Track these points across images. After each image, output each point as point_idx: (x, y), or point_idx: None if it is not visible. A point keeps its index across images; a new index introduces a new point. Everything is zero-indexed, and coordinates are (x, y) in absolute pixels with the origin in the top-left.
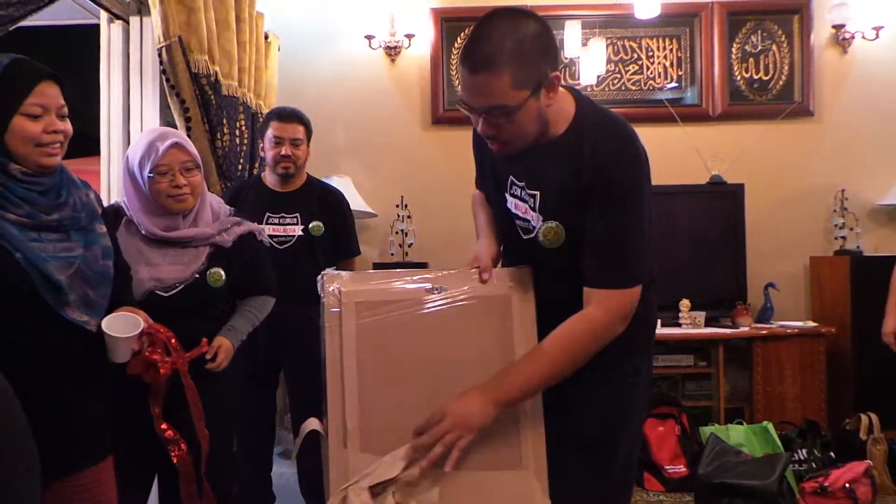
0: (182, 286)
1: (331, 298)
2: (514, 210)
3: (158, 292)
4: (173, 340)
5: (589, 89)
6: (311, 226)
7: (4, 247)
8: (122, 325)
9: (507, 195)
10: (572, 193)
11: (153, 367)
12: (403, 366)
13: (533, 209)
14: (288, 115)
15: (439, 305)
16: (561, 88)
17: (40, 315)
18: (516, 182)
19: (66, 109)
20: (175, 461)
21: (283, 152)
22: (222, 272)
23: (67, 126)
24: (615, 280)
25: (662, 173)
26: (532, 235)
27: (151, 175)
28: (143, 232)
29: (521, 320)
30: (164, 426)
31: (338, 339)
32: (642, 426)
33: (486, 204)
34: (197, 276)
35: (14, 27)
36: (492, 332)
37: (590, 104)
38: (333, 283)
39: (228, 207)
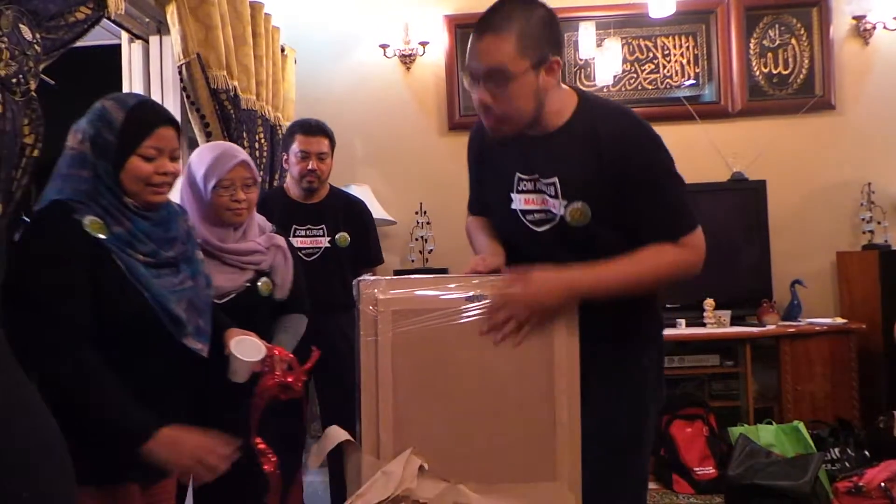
0: (234, 294)
1: (367, 306)
2: (523, 206)
3: (213, 300)
4: (295, 362)
5: (605, 90)
6: (337, 237)
7: (137, 287)
8: (246, 349)
9: (514, 194)
10: (596, 173)
11: (288, 388)
12: (440, 376)
13: (554, 196)
14: (313, 129)
15: (478, 315)
16: (564, 85)
17: (159, 345)
18: (524, 177)
19: (178, 152)
20: (268, 471)
21: (309, 167)
22: (270, 281)
23: (177, 167)
24: (680, 230)
25: (683, 171)
26: (549, 227)
27: (216, 188)
28: (197, 241)
29: (562, 332)
30: (257, 439)
31: (373, 347)
32: (657, 418)
33: (485, 226)
34: (248, 284)
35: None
36: (532, 344)
37: (592, 96)
38: (369, 289)
39: (270, 224)
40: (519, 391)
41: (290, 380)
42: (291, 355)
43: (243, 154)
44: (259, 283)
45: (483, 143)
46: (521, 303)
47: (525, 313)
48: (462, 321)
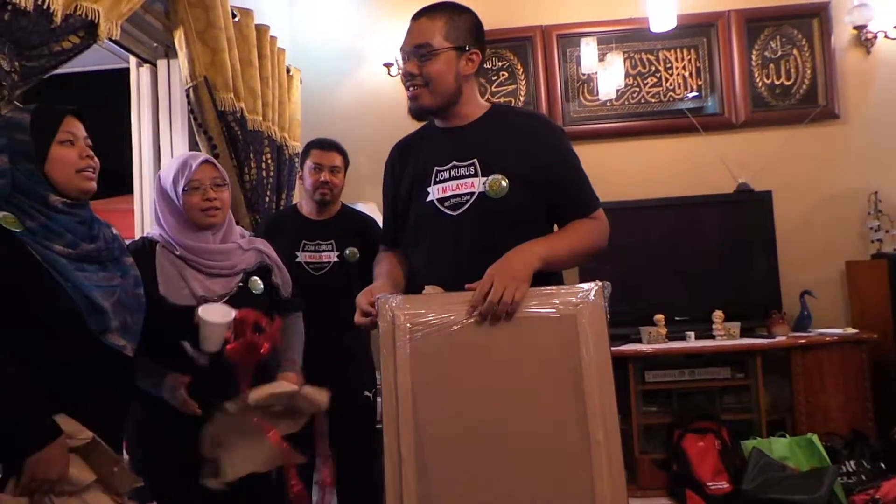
0: (228, 296)
1: (385, 322)
2: (440, 195)
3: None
4: (263, 321)
5: (609, 104)
6: (346, 252)
7: (55, 277)
8: (214, 312)
9: (431, 187)
10: (513, 150)
11: (253, 349)
12: (461, 386)
13: (473, 175)
14: (327, 145)
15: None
16: (480, 98)
17: (79, 341)
18: (441, 168)
19: (90, 142)
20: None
21: (322, 178)
22: (259, 280)
23: (95, 157)
24: (593, 204)
25: (688, 184)
26: (466, 207)
27: (185, 189)
28: (177, 253)
29: (590, 340)
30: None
31: (392, 362)
32: None
33: (386, 260)
34: (240, 285)
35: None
36: (557, 352)
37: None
38: (388, 304)
39: (249, 232)
40: (546, 402)
41: (255, 340)
42: (258, 316)
43: (207, 155)
44: (249, 282)
45: (402, 152)
46: (503, 273)
47: (512, 283)
48: (480, 324)
